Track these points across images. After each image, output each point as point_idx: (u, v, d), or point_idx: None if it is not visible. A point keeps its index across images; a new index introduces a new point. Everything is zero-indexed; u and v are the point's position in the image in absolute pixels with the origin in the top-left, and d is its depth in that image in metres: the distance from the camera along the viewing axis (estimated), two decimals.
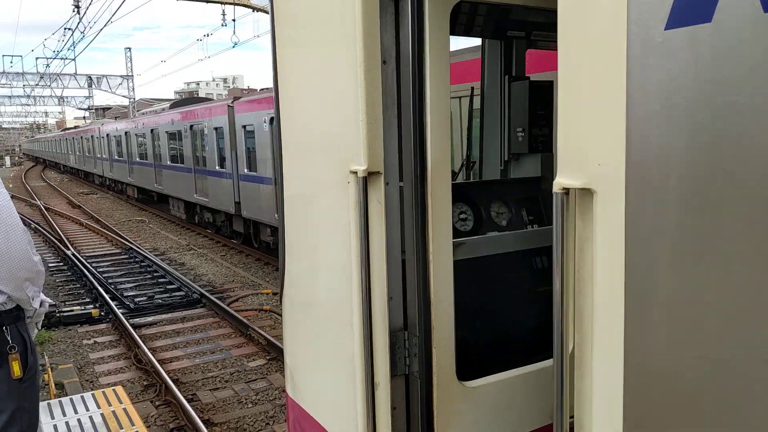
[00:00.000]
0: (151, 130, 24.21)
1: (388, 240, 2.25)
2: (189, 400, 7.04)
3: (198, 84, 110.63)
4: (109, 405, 5.03)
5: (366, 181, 2.16)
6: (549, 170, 3.45)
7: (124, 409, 4.96)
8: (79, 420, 4.70)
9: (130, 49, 48.01)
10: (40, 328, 3.33)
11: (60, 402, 5.10)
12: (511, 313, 2.92)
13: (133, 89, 45.82)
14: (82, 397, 5.21)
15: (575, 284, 1.58)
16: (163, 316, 10.60)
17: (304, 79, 2.60)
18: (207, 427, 6.38)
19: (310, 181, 2.63)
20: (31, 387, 3.08)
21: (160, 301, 11.36)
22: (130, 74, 46.17)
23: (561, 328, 1.57)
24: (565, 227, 1.54)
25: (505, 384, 2.44)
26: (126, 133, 28.58)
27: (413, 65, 2.15)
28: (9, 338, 2.94)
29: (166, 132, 22.40)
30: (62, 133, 57.97)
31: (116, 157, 31.36)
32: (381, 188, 2.22)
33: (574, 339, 1.62)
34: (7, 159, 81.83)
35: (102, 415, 4.87)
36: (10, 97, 60.14)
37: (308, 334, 2.82)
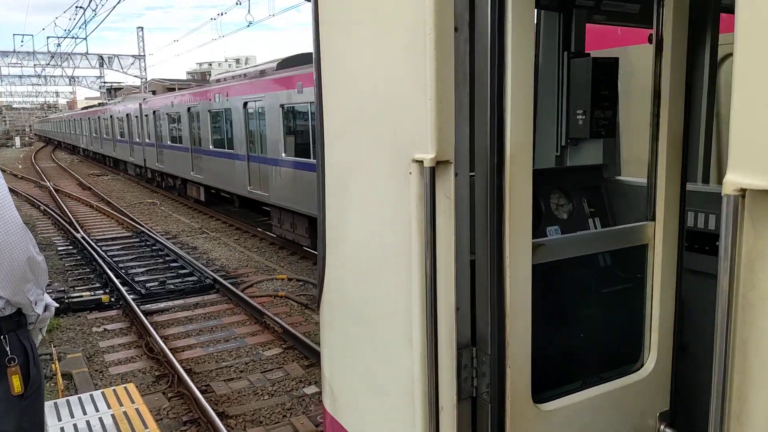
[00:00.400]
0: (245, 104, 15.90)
1: (456, 241, 1.91)
2: (203, 392, 6.76)
3: (210, 65, 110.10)
4: (120, 405, 4.71)
5: (434, 172, 1.82)
6: (611, 157, 3.16)
7: (137, 410, 4.64)
8: (88, 422, 4.39)
9: (142, 28, 47.72)
10: (44, 334, 2.93)
11: (68, 402, 4.78)
12: (580, 320, 2.58)
13: (145, 69, 45.49)
14: (92, 396, 4.90)
15: (739, 311, 1.26)
16: (175, 302, 10.31)
17: (354, 55, 2.24)
18: (222, 420, 6.10)
19: (359, 172, 2.28)
20: (34, 404, 2.70)
21: (172, 286, 11.06)
22: (142, 54, 45.82)
23: (724, 366, 1.18)
24: (739, 238, 1.22)
25: (585, 405, 2.12)
26: (189, 109, 20.37)
27: (492, 33, 1.80)
28: (8, 349, 2.56)
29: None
30: (82, 111, 49.38)
31: (169, 142, 23.28)
32: (450, 180, 1.87)
33: (732, 378, 1.24)
34: (17, 139, 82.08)
35: (113, 416, 4.55)
36: (20, 76, 59.89)
37: (352, 346, 2.47)
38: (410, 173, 1.89)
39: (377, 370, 2.27)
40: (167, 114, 23.17)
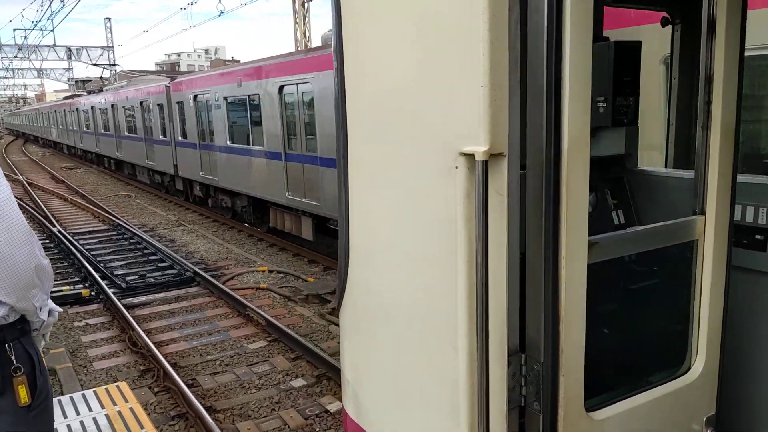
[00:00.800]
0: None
1: (507, 241, 1.77)
2: (189, 386, 6.72)
3: (179, 55, 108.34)
4: (114, 404, 4.65)
5: (486, 166, 1.66)
6: (634, 147, 2.99)
7: (131, 409, 4.59)
8: (81, 422, 4.32)
9: (109, 19, 46.79)
10: (47, 340, 2.79)
11: (60, 401, 4.70)
12: (622, 321, 2.49)
13: (114, 61, 44.60)
14: (84, 395, 4.82)
15: None
16: (157, 295, 10.20)
17: (386, 40, 2.03)
18: (210, 415, 6.06)
19: (391, 168, 2.07)
20: (43, 414, 2.58)
21: (152, 280, 10.94)
22: (110, 45, 44.90)
23: None
24: None
25: (635, 412, 2.03)
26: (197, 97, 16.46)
27: (550, 12, 1.63)
28: (13, 358, 2.44)
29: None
30: (65, 102, 40.99)
31: (183, 138, 18.24)
32: (503, 175, 1.70)
33: None
34: None
35: (107, 416, 4.49)
36: None
37: (381, 351, 2.30)
38: (456, 168, 1.72)
39: (412, 378, 2.11)
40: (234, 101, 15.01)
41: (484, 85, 1.63)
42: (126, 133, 24.88)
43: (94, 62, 45.89)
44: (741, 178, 2.34)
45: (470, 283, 1.74)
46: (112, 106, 26.51)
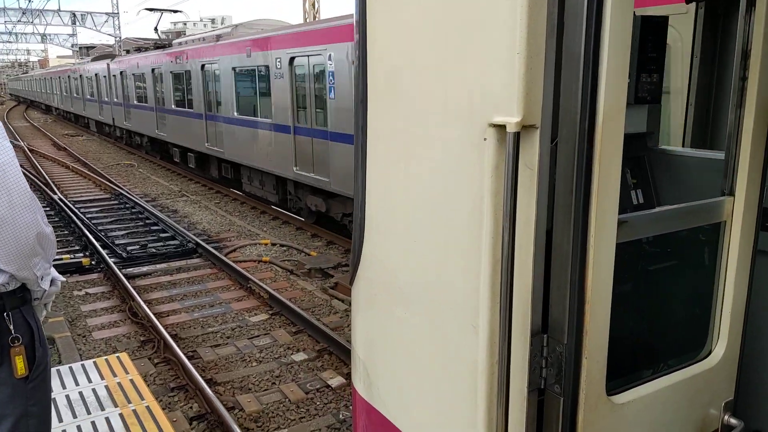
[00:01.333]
0: None
1: (536, 218, 1.68)
2: (189, 358, 6.66)
3: (185, 24, 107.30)
4: (114, 375, 4.56)
5: (518, 138, 1.56)
6: (656, 125, 2.90)
7: (131, 381, 4.50)
8: (81, 393, 4.23)
9: None
10: (49, 310, 2.68)
11: (59, 372, 4.62)
12: (643, 303, 2.42)
13: (119, 27, 44.12)
14: (83, 365, 4.74)
15: None
16: (158, 266, 10.12)
17: (412, 3, 1.92)
18: (210, 387, 6.01)
19: (413, 139, 1.99)
20: (41, 386, 2.49)
21: (153, 250, 10.86)
22: (115, 11, 44.39)
23: None
24: None
25: (655, 396, 1.98)
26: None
27: None
28: (11, 327, 2.34)
29: None
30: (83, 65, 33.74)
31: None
32: (535, 148, 1.60)
33: None
34: None
35: (106, 387, 4.40)
36: None
37: (397, 329, 2.22)
38: (485, 139, 1.63)
39: (429, 357, 2.06)
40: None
41: (521, 52, 1.53)
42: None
43: (98, 28, 45.42)
44: None
45: (494, 260, 1.67)
46: (153, 70, 21.15)
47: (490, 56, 1.62)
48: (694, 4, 3.21)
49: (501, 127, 1.58)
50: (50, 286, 2.54)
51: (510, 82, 1.56)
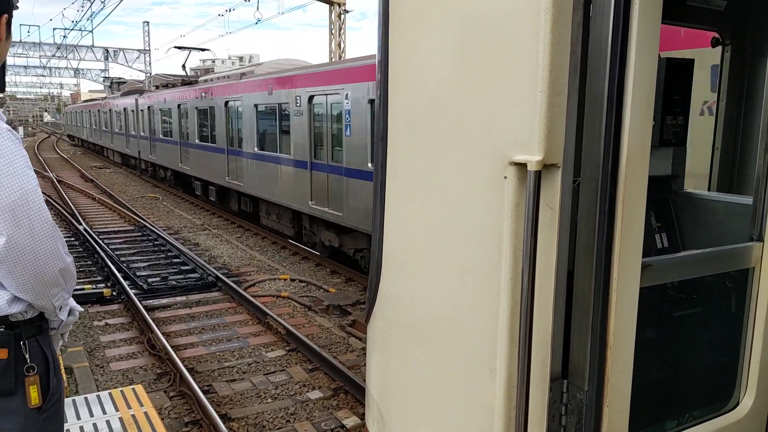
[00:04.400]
0: None
1: (556, 259, 1.65)
2: (205, 392, 6.62)
3: (213, 62, 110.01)
4: (129, 407, 4.57)
5: (539, 177, 1.55)
6: (681, 168, 2.89)
7: (145, 413, 4.51)
8: (95, 424, 4.24)
9: (147, 23, 47.58)
10: (65, 340, 2.66)
11: (74, 402, 4.63)
12: (668, 351, 2.35)
13: (150, 64, 45.36)
14: (98, 396, 4.75)
15: None
16: (178, 298, 10.17)
17: (433, 43, 1.94)
18: (224, 423, 5.96)
19: (433, 176, 1.97)
20: (53, 417, 2.44)
21: (174, 282, 10.93)
22: (147, 48, 45.70)
23: None
24: None
25: None
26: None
27: (616, 17, 1.53)
28: (27, 357, 2.31)
29: None
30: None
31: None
32: (557, 187, 1.60)
33: None
34: (21, 129, 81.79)
35: (120, 419, 4.40)
36: (25, 67, 59.68)
37: (412, 370, 2.18)
38: (505, 177, 1.62)
39: (444, 400, 2.00)
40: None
41: (543, 90, 1.53)
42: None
43: (129, 64, 46.73)
44: None
45: (514, 301, 1.63)
46: (179, 106, 21.59)
47: (511, 94, 1.61)
48: (720, 47, 3.22)
49: (522, 166, 1.57)
50: (68, 316, 2.53)
51: (531, 120, 1.55)
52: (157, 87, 29.29)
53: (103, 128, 37.75)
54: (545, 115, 1.54)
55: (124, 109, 31.20)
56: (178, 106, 21.58)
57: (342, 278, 11.79)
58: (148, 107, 26.00)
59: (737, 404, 2.19)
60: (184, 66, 25.66)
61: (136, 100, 28.16)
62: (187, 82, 23.13)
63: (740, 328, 2.20)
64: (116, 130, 33.89)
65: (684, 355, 2.39)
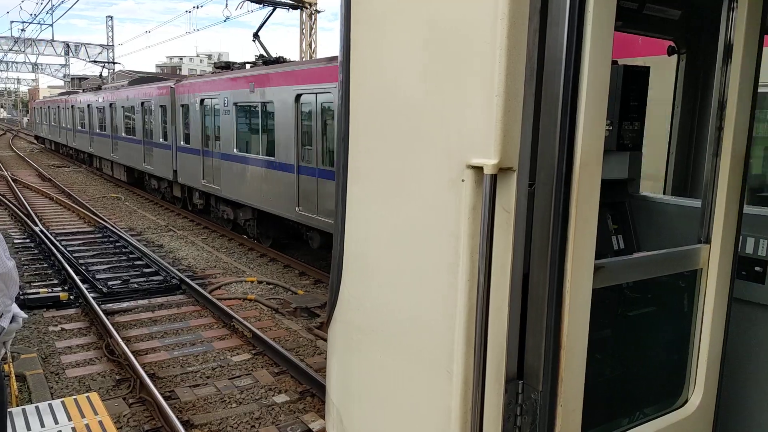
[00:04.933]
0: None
1: (512, 260, 1.68)
2: (166, 398, 6.41)
3: (181, 59, 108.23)
4: (83, 416, 4.34)
5: (495, 180, 1.59)
6: (637, 172, 2.99)
7: (100, 422, 4.29)
8: None
9: (111, 17, 46.61)
10: (8, 348, 2.57)
11: (24, 411, 4.38)
12: (617, 350, 2.39)
13: (113, 59, 44.37)
14: (51, 405, 4.51)
15: None
16: (139, 302, 9.86)
17: (394, 45, 1.97)
18: (186, 429, 5.78)
19: (392, 178, 2.01)
20: None
21: (135, 285, 10.60)
22: (110, 44, 44.70)
23: None
24: None
25: None
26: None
27: (571, 23, 1.58)
28: None
29: None
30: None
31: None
32: (512, 190, 1.63)
33: None
34: None
35: (73, 429, 4.18)
36: None
37: (374, 374, 2.20)
38: (463, 180, 1.65)
39: (403, 403, 2.01)
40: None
41: (499, 94, 1.56)
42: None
43: (92, 60, 45.63)
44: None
45: (470, 303, 1.66)
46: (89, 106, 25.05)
47: (469, 97, 1.64)
48: (675, 55, 3.35)
49: (479, 169, 1.60)
50: (10, 323, 2.40)
51: (488, 124, 1.59)
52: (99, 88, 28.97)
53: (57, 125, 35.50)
54: (501, 120, 1.57)
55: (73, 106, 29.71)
56: (88, 106, 25.12)
57: (311, 280, 11.63)
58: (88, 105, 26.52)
59: (686, 401, 2.26)
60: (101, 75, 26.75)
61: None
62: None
63: (690, 328, 2.28)
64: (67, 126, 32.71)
65: (637, 354, 2.45)
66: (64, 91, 48.41)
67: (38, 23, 38.33)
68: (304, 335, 8.57)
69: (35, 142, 50.75)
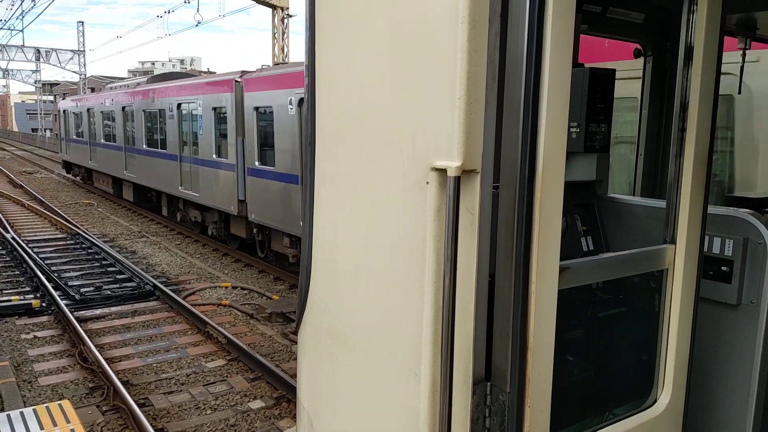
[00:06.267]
0: None
1: (477, 262, 1.68)
2: (140, 406, 6.38)
3: (153, 64, 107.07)
4: (54, 425, 4.33)
5: (458, 183, 1.59)
6: (605, 173, 2.99)
7: (72, 430, 4.29)
8: None
9: (82, 23, 46.05)
10: None
11: None
12: (585, 351, 2.40)
13: (85, 65, 43.80)
14: (22, 413, 4.49)
15: None
16: (112, 309, 9.79)
17: (358, 49, 1.97)
18: None
19: (359, 181, 2.00)
20: None
21: (108, 292, 10.51)
22: (81, 49, 44.11)
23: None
24: None
25: None
26: None
27: (531, 27, 1.58)
28: None
29: None
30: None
31: None
32: (476, 192, 1.63)
33: None
34: None
35: None
36: None
37: (343, 378, 2.19)
38: (427, 183, 1.65)
39: (372, 406, 2.01)
40: None
41: (461, 97, 1.57)
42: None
43: (63, 65, 45.00)
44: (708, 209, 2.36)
45: (437, 305, 1.66)
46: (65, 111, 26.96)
47: (432, 101, 1.65)
48: (642, 58, 3.40)
49: (442, 171, 1.61)
50: None
51: (451, 127, 1.59)
52: (92, 89, 28.25)
53: None
54: (463, 122, 1.57)
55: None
56: (64, 111, 26.96)
57: (286, 285, 11.63)
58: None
59: (655, 401, 2.26)
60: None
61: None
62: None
63: (658, 328, 2.29)
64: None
65: (606, 354, 2.47)
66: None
67: (8, 29, 37.73)
68: (280, 340, 8.58)
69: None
